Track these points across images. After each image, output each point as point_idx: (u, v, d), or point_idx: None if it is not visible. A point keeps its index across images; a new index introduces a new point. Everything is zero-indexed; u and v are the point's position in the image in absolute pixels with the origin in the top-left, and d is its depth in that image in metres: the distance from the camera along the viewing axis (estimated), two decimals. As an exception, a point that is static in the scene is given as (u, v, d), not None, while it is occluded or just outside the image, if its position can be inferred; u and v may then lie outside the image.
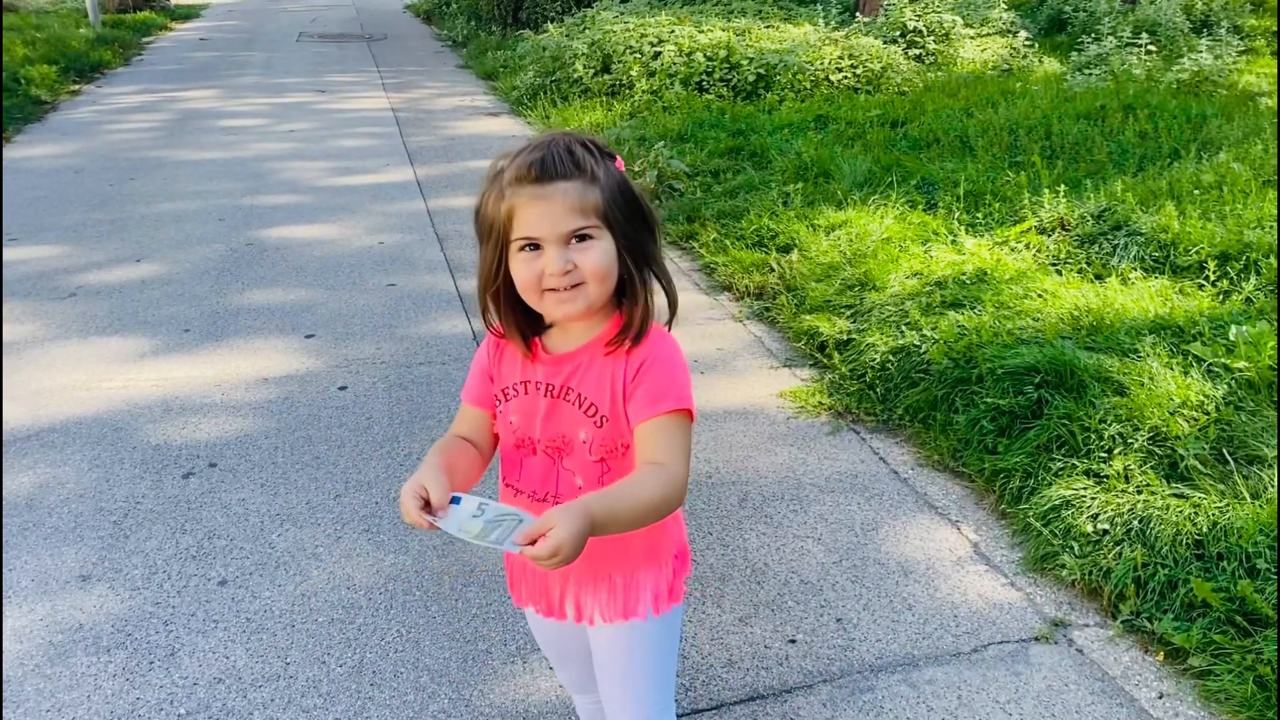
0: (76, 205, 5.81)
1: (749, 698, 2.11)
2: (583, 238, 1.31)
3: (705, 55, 8.00)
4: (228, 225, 5.42)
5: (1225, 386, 2.84)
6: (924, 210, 4.72)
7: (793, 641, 2.27)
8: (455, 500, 1.25)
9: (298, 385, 3.55)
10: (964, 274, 3.84)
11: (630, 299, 1.36)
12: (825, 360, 3.62)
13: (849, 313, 3.81)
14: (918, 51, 9.28)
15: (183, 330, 4.03)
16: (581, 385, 1.39)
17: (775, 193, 5.11)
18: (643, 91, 7.83)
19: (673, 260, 4.83)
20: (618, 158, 1.37)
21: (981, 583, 2.47)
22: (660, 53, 8.13)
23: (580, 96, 8.19)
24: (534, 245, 1.31)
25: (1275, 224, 3.82)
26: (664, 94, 7.69)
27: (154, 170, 6.64)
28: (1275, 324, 3.14)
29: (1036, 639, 2.27)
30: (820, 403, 3.37)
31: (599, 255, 1.32)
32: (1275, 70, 7.66)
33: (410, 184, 6.33)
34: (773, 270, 4.34)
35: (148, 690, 2.12)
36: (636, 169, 5.77)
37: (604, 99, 8.02)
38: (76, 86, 10.11)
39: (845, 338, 3.65)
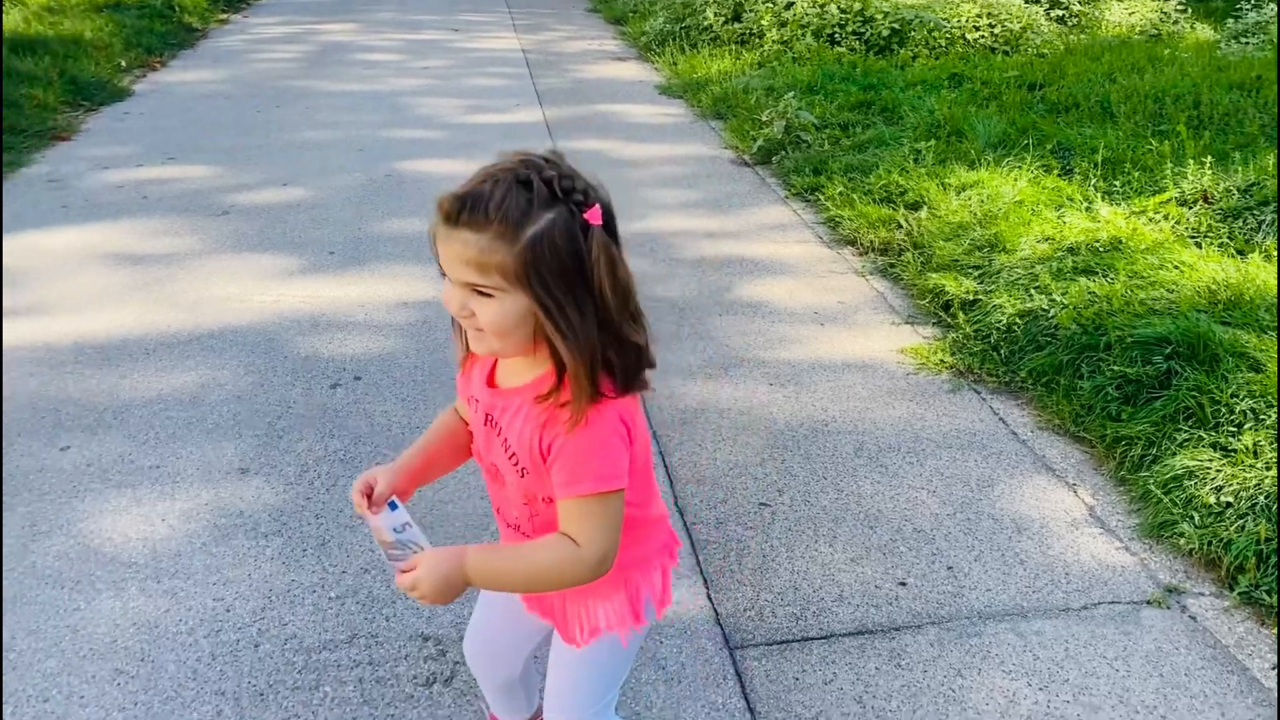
0: (228, 129, 6.12)
1: (858, 631, 2.19)
2: (480, 292, 1.18)
3: (839, 7, 7.88)
4: (367, 156, 5.64)
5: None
6: (1059, 175, 4.62)
7: (903, 584, 2.34)
8: (393, 505, 1.34)
9: (434, 310, 3.72)
10: (1098, 241, 3.77)
11: (563, 365, 1.21)
12: (949, 319, 3.63)
13: (976, 273, 3.79)
14: (1060, 13, 8.95)
15: (328, 252, 4.25)
16: (508, 430, 1.30)
17: (906, 149, 5.06)
18: (773, 41, 7.78)
19: (796, 212, 4.86)
20: (594, 205, 1.19)
21: (1095, 544, 2.49)
22: (793, 3, 8.04)
23: (709, 44, 8.18)
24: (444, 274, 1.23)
25: None
26: (794, 44, 7.63)
27: (297, 99, 6.92)
28: None
29: (1148, 602, 2.29)
30: (942, 361, 3.39)
31: (493, 314, 1.18)
32: None
33: (539, 125, 6.45)
34: (900, 227, 4.33)
35: (302, 574, 2.32)
36: (764, 119, 5.78)
37: (733, 47, 7.99)
38: (225, 15, 10.52)
39: (971, 298, 3.64)
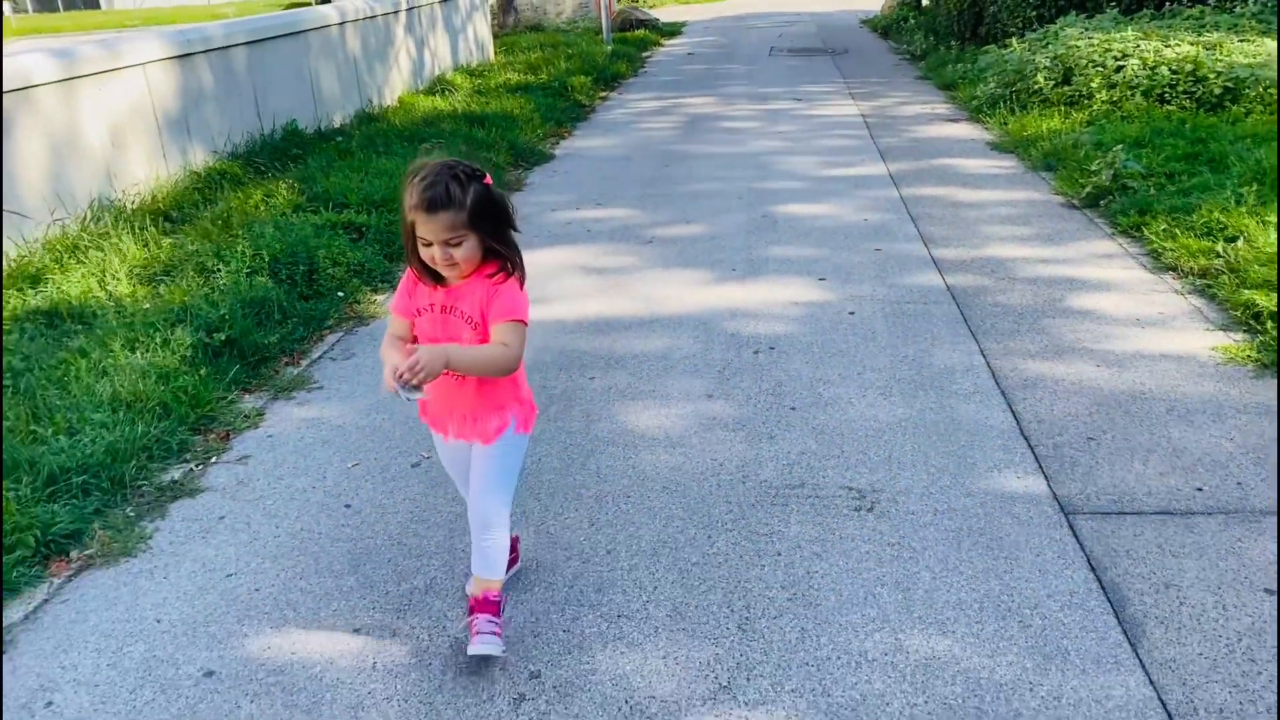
0: (633, 183, 7.73)
1: (1160, 511, 3.07)
2: (455, 243, 2.20)
3: (1170, 69, 8.41)
4: (745, 201, 7.00)
5: None
6: (1383, 213, 5.09)
7: (1200, 489, 3.18)
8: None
9: (818, 309, 4.91)
10: None
11: (498, 258, 2.29)
12: (1258, 327, 4.31)
13: (1287, 291, 4.44)
14: None
15: (730, 269, 5.57)
16: (466, 304, 2.30)
17: (1229, 192, 5.68)
18: (1102, 102, 8.44)
19: (1121, 245, 5.62)
20: (486, 177, 2.23)
21: (1370, 480, 3.19)
22: (1123, 66, 8.66)
23: (1039, 106, 8.95)
24: (427, 242, 2.21)
25: None
26: (1124, 104, 8.25)
27: (680, 160, 8.48)
28: None
29: None
30: (1249, 356, 4.10)
31: (464, 251, 2.22)
32: None
33: (884, 176, 7.56)
34: (1218, 256, 5.02)
35: (754, 448, 3.53)
36: (1093, 168, 6.56)
37: (1062, 108, 8.72)
38: (605, 94, 12.56)
39: (1280, 309, 4.31)
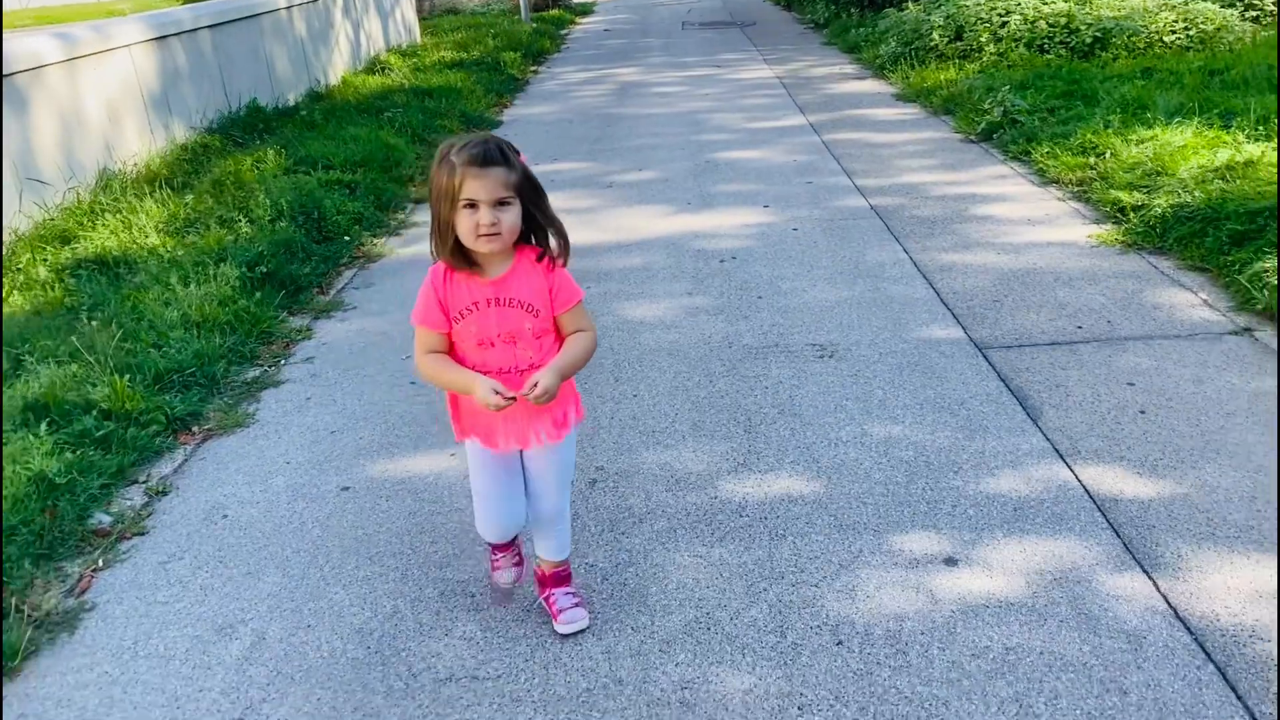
0: (583, 141, 8.50)
1: (1051, 343, 4.01)
2: (504, 204, 2.06)
3: (1047, 23, 9.52)
4: (687, 151, 7.84)
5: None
6: (1220, 129, 6.17)
7: (1079, 327, 4.13)
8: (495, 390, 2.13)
9: (767, 228, 5.78)
10: (1235, 163, 5.37)
11: (542, 237, 2.19)
12: (1124, 218, 5.32)
13: (1146, 190, 5.46)
14: (1255, 13, 10.16)
15: (686, 203, 6.41)
16: (521, 291, 2.16)
17: (1100, 120, 6.73)
18: (990, 54, 9.51)
19: (1012, 168, 6.63)
20: (522, 155, 2.12)
21: (1204, 314, 4.18)
22: (1007, 22, 9.74)
23: (935, 60, 9.98)
24: (473, 205, 2.05)
25: None
26: (1009, 55, 9.34)
27: (619, 121, 9.28)
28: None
29: (1227, 333, 3.97)
30: (1116, 239, 5.11)
31: (511, 218, 2.08)
32: None
33: (805, 126, 8.48)
34: (1091, 168, 6.04)
35: (741, 334, 4.38)
36: (985, 107, 7.57)
37: (956, 61, 9.76)
38: (535, 68, 13.26)
39: (1140, 204, 5.33)
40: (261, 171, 6.79)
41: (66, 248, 5.48)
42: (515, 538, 2.60)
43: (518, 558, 2.65)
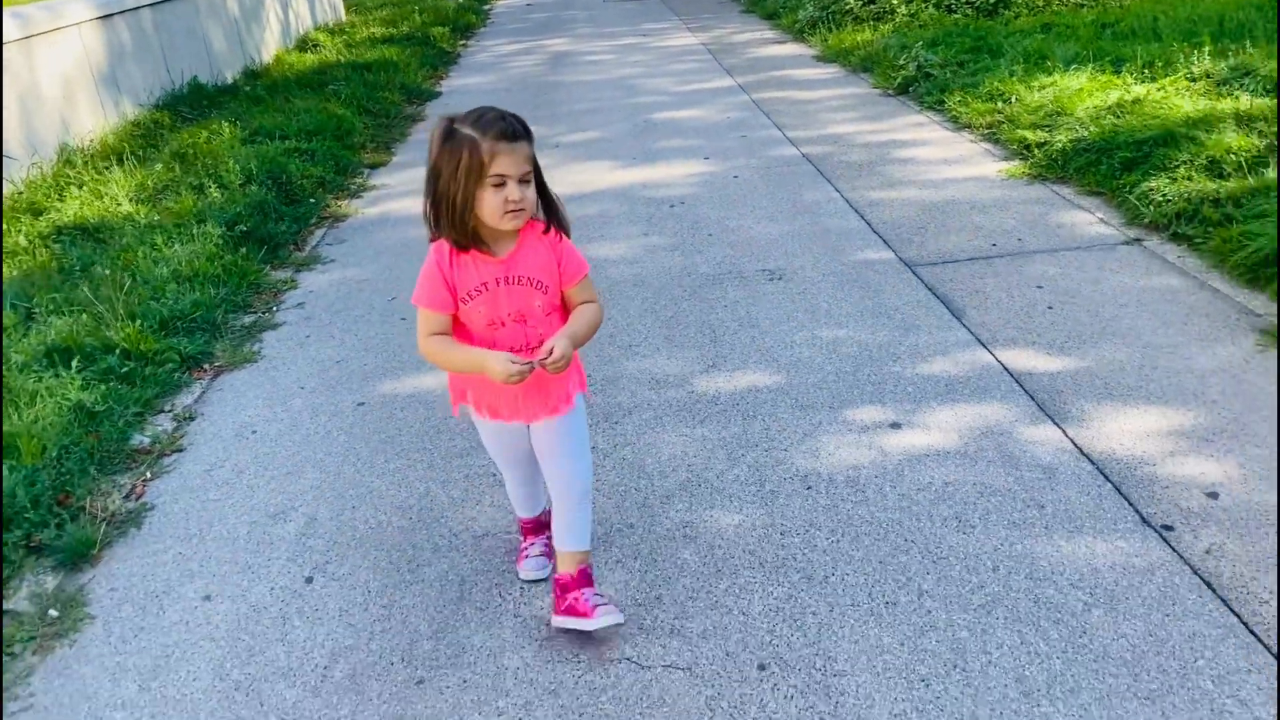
0: (523, 107, 8.84)
1: (970, 258, 4.55)
2: (526, 179, 2.01)
3: (954, -16, 10.14)
4: (624, 113, 8.26)
5: (1261, 141, 4.95)
6: (1111, 74, 6.81)
7: (994, 245, 4.68)
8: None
9: (710, 176, 6.24)
10: (1124, 102, 5.99)
11: (549, 207, 2.13)
12: (1029, 154, 5.91)
13: (1047, 129, 6.06)
14: (1142, -30, 10.90)
15: (631, 158, 6.84)
16: (530, 268, 2.11)
17: (1005, 70, 7.33)
18: (903, 15, 10.10)
19: (928, 117, 7.19)
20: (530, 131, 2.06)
21: (1100, 229, 4.76)
22: (917, -16, 10.34)
23: (851, 23, 10.54)
24: (500, 182, 1.98)
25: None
26: (920, 15, 9.93)
27: (555, 88, 9.65)
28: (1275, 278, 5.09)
29: (1121, 244, 4.56)
30: (1023, 173, 5.69)
31: (532, 193, 2.04)
32: None
33: (734, 87, 8.95)
34: (999, 113, 6.63)
35: (697, 265, 4.84)
36: (901, 63, 8.14)
37: (870, 23, 10.33)
38: (464, 42, 13.50)
39: (1043, 141, 5.92)
40: (218, 143, 7.03)
41: (40, 219, 5.70)
42: (546, 520, 2.58)
43: (547, 545, 2.58)
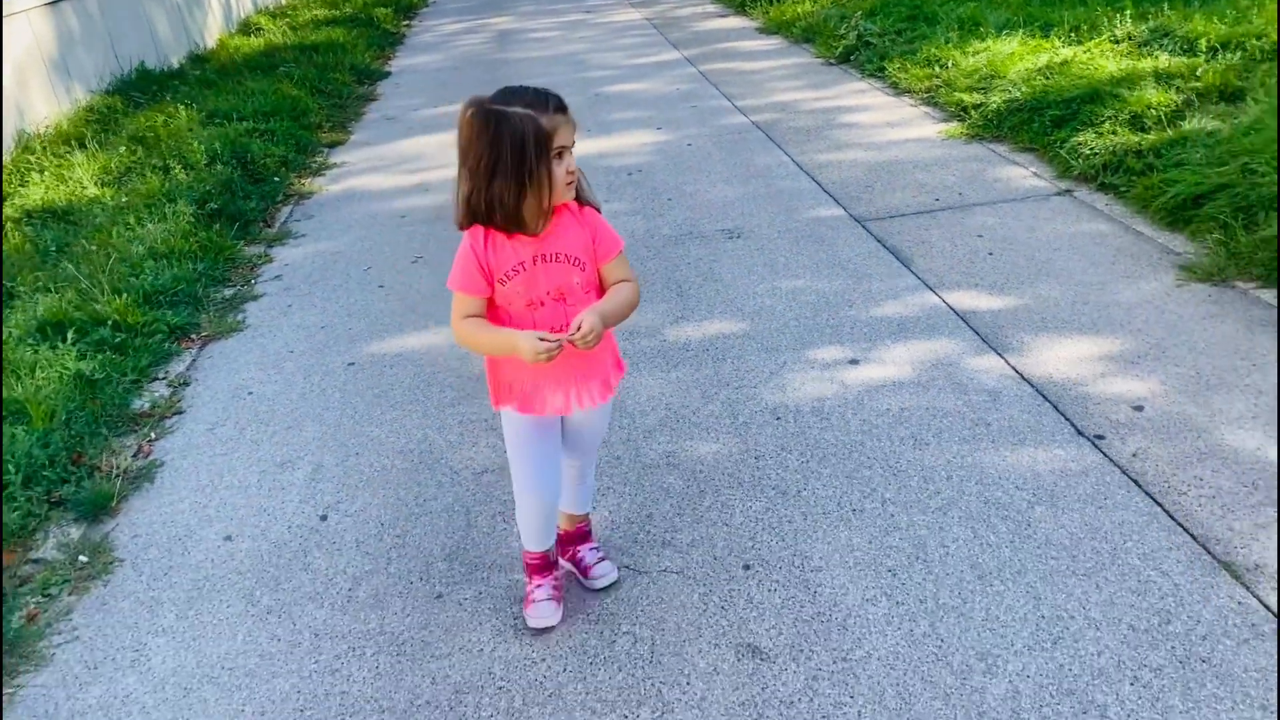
0: (471, 84, 8.96)
1: (915, 213, 4.85)
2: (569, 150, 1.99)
3: (889, -45, 10.43)
4: (576, 87, 8.45)
5: (1178, 96, 5.31)
6: (1040, 38, 7.16)
7: (936, 200, 4.99)
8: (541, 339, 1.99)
9: (664, 145, 6.48)
10: (1053, 63, 6.34)
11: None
12: (966, 115, 6.24)
13: (983, 91, 6.39)
14: (1067, -61, 11.32)
15: (586, 130, 7.03)
16: (565, 245, 2.07)
17: (941, 37, 7.65)
18: (841, -14, 10.38)
19: (869, 84, 7.50)
20: None
21: (1034, 182, 5.09)
22: (854, -44, 10.62)
23: (792, -5, 10.80)
24: (560, 153, 1.98)
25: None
26: (858, -14, 10.21)
27: (504, 65, 9.80)
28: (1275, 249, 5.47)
29: (1053, 195, 4.90)
30: (961, 133, 6.01)
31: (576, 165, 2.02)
32: None
33: (680, 60, 9.18)
34: (937, 77, 6.95)
35: (660, 228, 5.09)
36: (842, 33, 8.43)
37: (811, -5, 10.60)
38: (408, 22, 13.54)
39: (979, 103, 6.25)
40: (175, 125, 7.10)
41: (6, 204, 5.76)
42: (555, 558, 2.49)
43: (555, 586, 2.46)
